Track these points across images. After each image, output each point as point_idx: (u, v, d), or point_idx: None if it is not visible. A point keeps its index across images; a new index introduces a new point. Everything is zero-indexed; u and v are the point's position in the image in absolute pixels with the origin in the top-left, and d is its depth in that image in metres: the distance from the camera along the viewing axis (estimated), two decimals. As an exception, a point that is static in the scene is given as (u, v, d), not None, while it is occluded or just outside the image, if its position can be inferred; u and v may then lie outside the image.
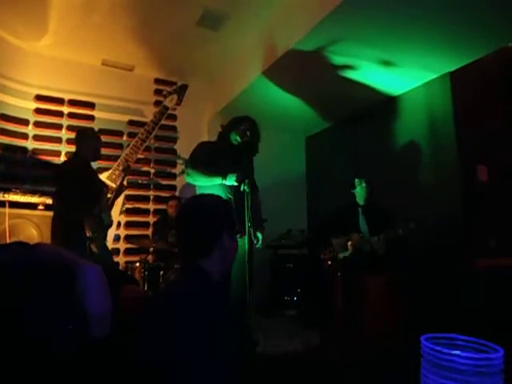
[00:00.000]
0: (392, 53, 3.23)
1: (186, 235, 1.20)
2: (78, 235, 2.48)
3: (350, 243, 3.26)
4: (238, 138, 2.58)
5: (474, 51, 3.17)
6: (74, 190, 2.58)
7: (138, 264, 3.70)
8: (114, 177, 3.26)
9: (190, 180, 2.64)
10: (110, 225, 2.80)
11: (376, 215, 3.34)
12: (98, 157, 2.96)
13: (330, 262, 3.36)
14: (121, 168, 3.03)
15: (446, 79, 3.53)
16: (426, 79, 3.71)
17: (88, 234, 2.49)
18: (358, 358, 2.59)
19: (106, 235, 2.70)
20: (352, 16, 2.72)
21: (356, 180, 3.47)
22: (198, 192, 2.58)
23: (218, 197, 1.32)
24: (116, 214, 3.14)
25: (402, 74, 3.59)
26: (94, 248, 2.51)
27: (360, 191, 3.44)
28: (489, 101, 3.43)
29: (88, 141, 2.85)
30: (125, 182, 3.12)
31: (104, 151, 4.40)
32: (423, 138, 3.76)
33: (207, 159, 2.57)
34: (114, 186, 2.98)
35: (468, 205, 3.30)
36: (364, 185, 3.42)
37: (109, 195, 2.90)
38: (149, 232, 4.51)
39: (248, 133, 2.59)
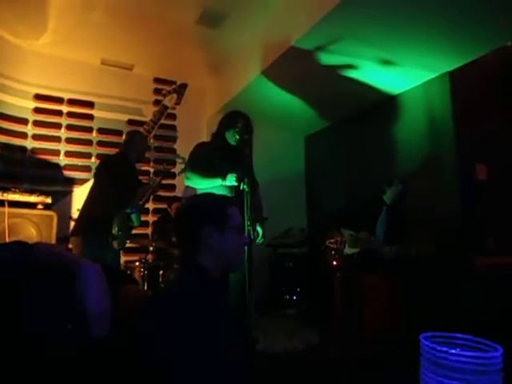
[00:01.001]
0: (391, 52, 3.23)
1: (176, 233, 1.28)
2: (100, 230, 2.53)
3: (359, 241, 3.15)
4: (237, 137, 2.57)
5: (473, 50, 3.18)
6: (112, 187, 2.65)
7: (137, 263, 3.69)
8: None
9: (190, 184, 2.62)
10: (136, 226, 2.83)
11: (399, 218, 3.26)
12: (141, 159, 3.05)
13: (333, 253, 3.23)
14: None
15: (446, 78, 3.53)
16: (426, 78, 3.71)
17: (113, 232, 2.53)
18: (357, 357, 2.59)
19: (128, 235, 2.74)
20: (351, 15, 2.72)
21: (395, 180, 3.36)
22: (199, 192, 2.58)
23: (212, 195, 1.33)
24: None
25: (401, 73, 3.60)
26: (115, 245, 2.55)
27: (393, 191, 3.35)
28: (488, 100, 3.43)
29: (136, 142, 2.93)
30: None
31: (103, 150, 4.47)
32: (422, 137, 3.76)
33: (205, 161, 2.55)
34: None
35: (467, 204, 3.31)
36: (400, 186, 3.33)
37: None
38: (148, 231, 4.50)
39: (244, 130, 2.58)
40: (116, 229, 2.52)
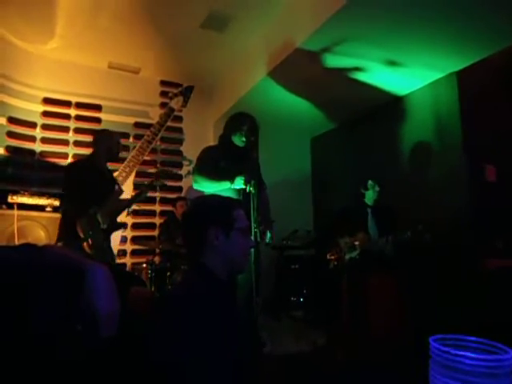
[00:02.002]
0: (398, 53, 3.22)
1: (183, 234, 1.27)
2: (73, 235, 2.49)
3: (357, 243, 3.23)
4: (244, 139, 2.57)
5: (480, 50, 3.15)
6: (73, 189, 2.60)
7: (144, 265, 3.71)
8: (120, 178, 3.27)
9: (198, 187, 2.62)
10: (116, 227, 2.79)
11: (385, 216, 3.31)
12: (113, 158, 2.92)
13: (336, 263, 3.33)
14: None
15: (453, 79, 3.50)
16: (433, 79, 3.68)
17: (81, 235, 2.49)
18: (364, 359, 2.57)
19: (106, 237, 2.66)
20: (357, 16, 2.71)
21: (370, 182, 3.41)
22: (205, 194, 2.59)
23: (219, 197, 1.34)
24: (123, 215, 3.13)
25: (408, 73, 3.57)
26: (86, 248, 2.50)
27: (371, 193, 3.39)
28: (496, 100, 3.40)
29: (102, 142, 2.85)
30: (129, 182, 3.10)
31: (110, 153, 4.49)
32: (430, 138, 3.73)
33: (213, 165, 2.56)
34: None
35: (476, 205, 3.27)
36: (377, 188, 3.37)
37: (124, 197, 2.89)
38: (155, 233, 4.52)
39: (251, 132, 2.58)
40: (82, 232, 2.48)
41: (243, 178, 2.40)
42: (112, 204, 2.70)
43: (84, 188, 2.56)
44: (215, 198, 1.33)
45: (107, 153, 2.83)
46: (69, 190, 2.64)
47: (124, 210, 2.84)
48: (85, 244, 2.50)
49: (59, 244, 2.57)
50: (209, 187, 2.56)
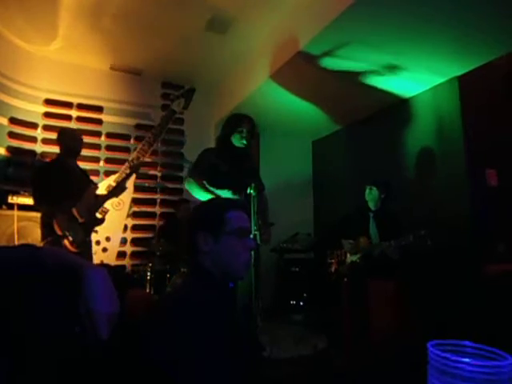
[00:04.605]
0: (399, 57, 3.22)
1: (181, 239, 1.28)
2: (53, 233, 2.54)
3: (358, 247, 3.21)
4: (244, 140, 2.57)
5: (482, 55, 3.15)
6: (41, 189, 2.68)
7: (144, 267, 3.71)
8: (120, 179, 3.28)
9: (188, 188, 2.61)
10: (95, 223, 2.81)
11: (387, 220, 3.29)
12: (74, 155, 2.98)
13: (336, 266, 3.32)
14: (128, 169, 3.07)
15: (455, 83, 3.50)
16: (434, 83, 3.69)
17: (59, 233, 2.52)
18: (364, 363, 2.56)
19: (86, 232, 2.72)
20: (361, 19, 2.71)
21: (366, 187, 3.40)
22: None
23: (215, 200, 1.34)
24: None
25: (409, 78, 3.57)
26: (68, 245, 2.55)
27: (370, 197, 3.38)
28: (498, 105, 3.40)
29: (62, 141, 2.95)
30: (130, 183, 3.12)
31: (111, 154, 4.50)
32: (431, 142, 3.73)
33: (210, 169, 2.56)
34: (113, 184, 2.99)
35: (477, 209, 3.27)
36: (374, 191, 3.36)
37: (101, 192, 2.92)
38: (155, 235, 4.52)
39: (250, 133, 2.58)
40: (60, 230, 2.53)
41: (231, 191, 2.42)
42: (88, 199, 2.76)
43: (54, 187, 2.64)
44: (209, 202, 1.33)
45: (70, 150, 2.94)
46: (40, 191, 2.70)
47: (101, 205, 2.87)
48: (65, 241, 2.53)
49: (43, 244, 2.61)
50: (197, 194, 2.55)
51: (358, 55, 3.21)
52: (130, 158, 3.71)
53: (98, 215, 2.83)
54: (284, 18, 3.47)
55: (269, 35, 3.74)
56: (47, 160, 3.28)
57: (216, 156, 2.62)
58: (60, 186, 2.67)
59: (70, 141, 2.96)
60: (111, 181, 3.02)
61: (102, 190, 2.94)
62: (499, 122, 3.36)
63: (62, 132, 3.08)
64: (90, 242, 2.82)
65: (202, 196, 2.50)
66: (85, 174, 3.11)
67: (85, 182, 2.96)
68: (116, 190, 2.98)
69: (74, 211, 2.64)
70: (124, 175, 3.09)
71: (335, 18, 2.71)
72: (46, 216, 2.63)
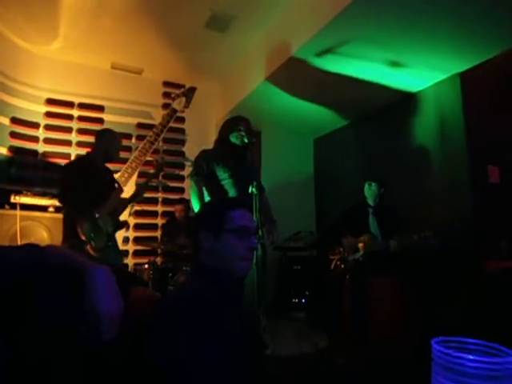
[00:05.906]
0: (400, 53, 3.21)
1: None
2: (76, 237, 2.46)
3: (361, 245, 3.21)
4: (245, 140, 2.58)
5: (484, 52, 3.13)
6: (72, 191, 2.55)
7: (146, 266, 3.72)
8: (122, 179, 3.28)
9: (190, 191, 2.65)
10: (118, 227, 2.77)
11: (386, 216, 3.30)
12: (111, 158, 2.87)
13: (338, 263, 3.31)
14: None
15: (456, 80, 3.49)
16: (436, 80, 3.67)
17: (83, 238, 2.45)
18: (366, 361, 2.56)
19: (109, 238, 2.63)
20: (360, 17, 2.71)
21: (365, 182, 3.42)
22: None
23: (219, 199, 1.35)
24: (125, 215, 3.13)
25: (410, 74, 3.56)
26: (90, 251, 2.48)
27: (370, 192, 3.40)
28: (500, 101, 3.39)
29: (101, 141, 2.82)
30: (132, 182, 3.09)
31: (113, 154, 4.50)
32: (433, 139, 3.72)
33: (208, 169, 2.58)
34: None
35: (479, 206, 3.26)
36: (373, 187, 3.37)
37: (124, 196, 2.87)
38: (157, 234, 4.53)
39: (249, 132, 2.61)
40: (84, 235, 2.45)
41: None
42: (113, 203, 2.68)
43: (82, 189, 2.53)
44: (212, 202, 1.35)
45: (105, 153, 2.80)
46: (67, 192, 2.60)
47: (125, 208, 2.82)
48: (88, 246, 2.49)
49: (64, 245, 2.56)
50: (192, 197, 2.58)
51: (357, 52, 3.19)
52: (132, 158, 3.72)
53: (121, 218, 2.76)
54: (284, 16, 3.46)
55: (269, 33, 3.74)
56: (77, 159, 3.19)
57: (216, 156, 2.63)
58: (91, 188, 2.58)
59: (108, 144, 2.81)
60: (134, 182, 2.99)
61: (126, 193, 2.87)
62: (501, 118, 3.35)
63: (102, 132, 2.95)
64: (112, 245, 2.71)
65: (196, 207, 2.54)
66: (112, 176, 2.97)
67: (113, 184, 2.85)
68: (140, 194, 2.92)
69: (100, 221, 2.56)
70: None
71: (335, 17, 2.71)
72: (71, 217, 2.53)
